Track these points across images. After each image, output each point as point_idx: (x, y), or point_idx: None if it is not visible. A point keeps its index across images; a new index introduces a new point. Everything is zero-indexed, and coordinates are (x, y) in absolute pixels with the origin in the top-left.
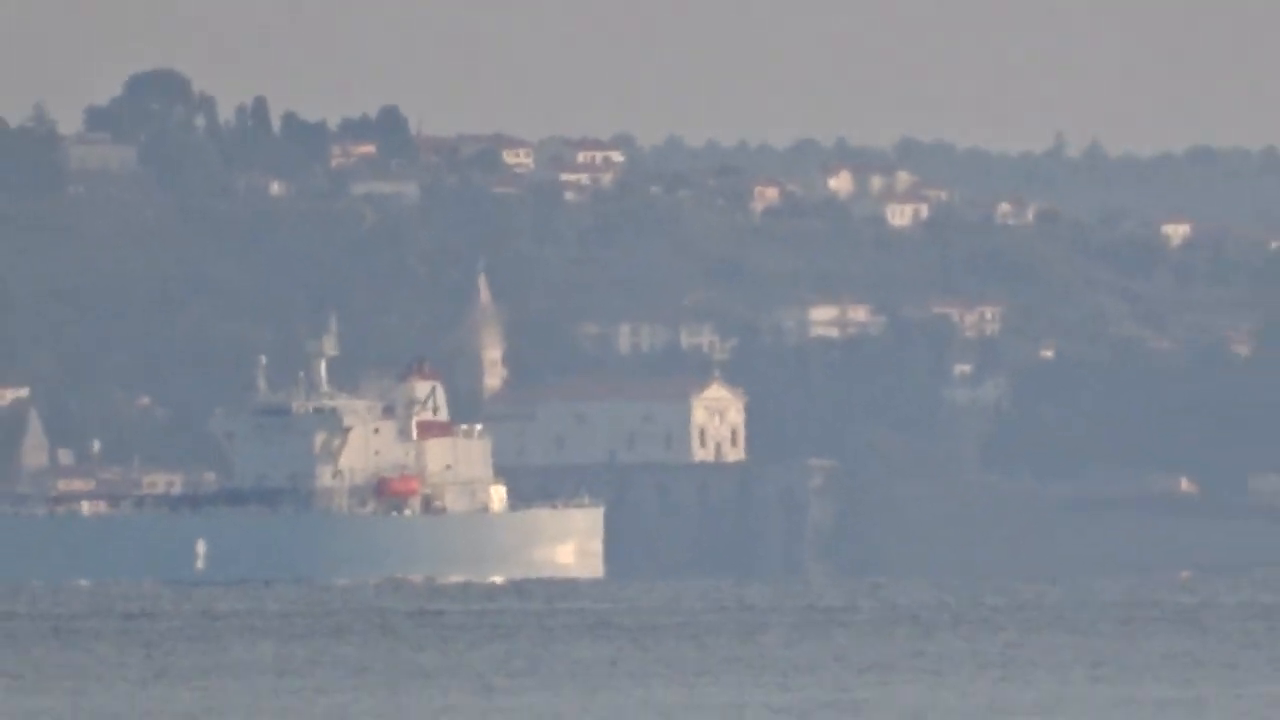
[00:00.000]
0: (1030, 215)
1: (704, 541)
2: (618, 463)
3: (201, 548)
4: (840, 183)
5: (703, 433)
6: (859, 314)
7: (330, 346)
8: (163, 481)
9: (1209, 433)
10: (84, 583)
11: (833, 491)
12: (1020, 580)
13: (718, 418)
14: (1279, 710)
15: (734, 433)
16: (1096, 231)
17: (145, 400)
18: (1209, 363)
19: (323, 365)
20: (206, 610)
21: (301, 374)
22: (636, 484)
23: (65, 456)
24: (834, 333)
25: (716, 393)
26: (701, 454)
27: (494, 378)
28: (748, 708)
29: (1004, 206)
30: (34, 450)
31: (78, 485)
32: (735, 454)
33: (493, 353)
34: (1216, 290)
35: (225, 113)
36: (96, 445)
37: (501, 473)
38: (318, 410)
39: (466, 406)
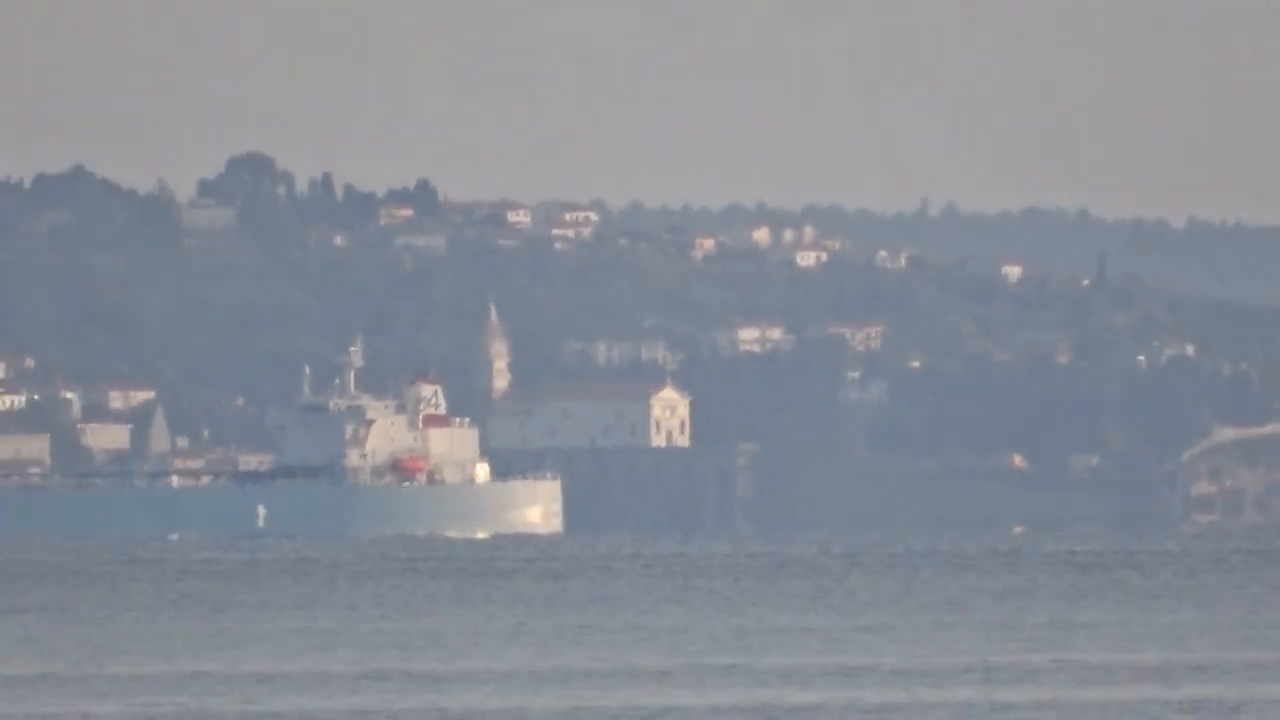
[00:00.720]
0: (903, 260)
1: (658, 506)
2: (595, 446)
3: (261, 511)
4: (760, 235)
5: (658, 424)
6: (774, 334)
7: (357, 359)
8: (255, 461)
9: (1037, 422)
10: (174, 536)
11: (756, 469)
12: (894, 533)
13: (669, 413)
14: (1074, 631)
15: (681, 424)
16: (951, 272)
17: (240, 400)
18: (1037, 369)
19: (352, 374)
20: (254, 559)
21: (337, 380)
22: (609, 463)
23: (181, 442)
24: (756, 349)
25: (668, 394)
26: (657, 440)
27: (501, 381)
28: (670, 631)
29: (882, 253)
30: (158, 438)
31: (190, 464)
32: (682, 440)
33: (500, 362)
34: (1042, 315)
35: (300, 184)
36: (205, 433)
37: (505, 454)
38: (349, 408)
39: (480, 403)
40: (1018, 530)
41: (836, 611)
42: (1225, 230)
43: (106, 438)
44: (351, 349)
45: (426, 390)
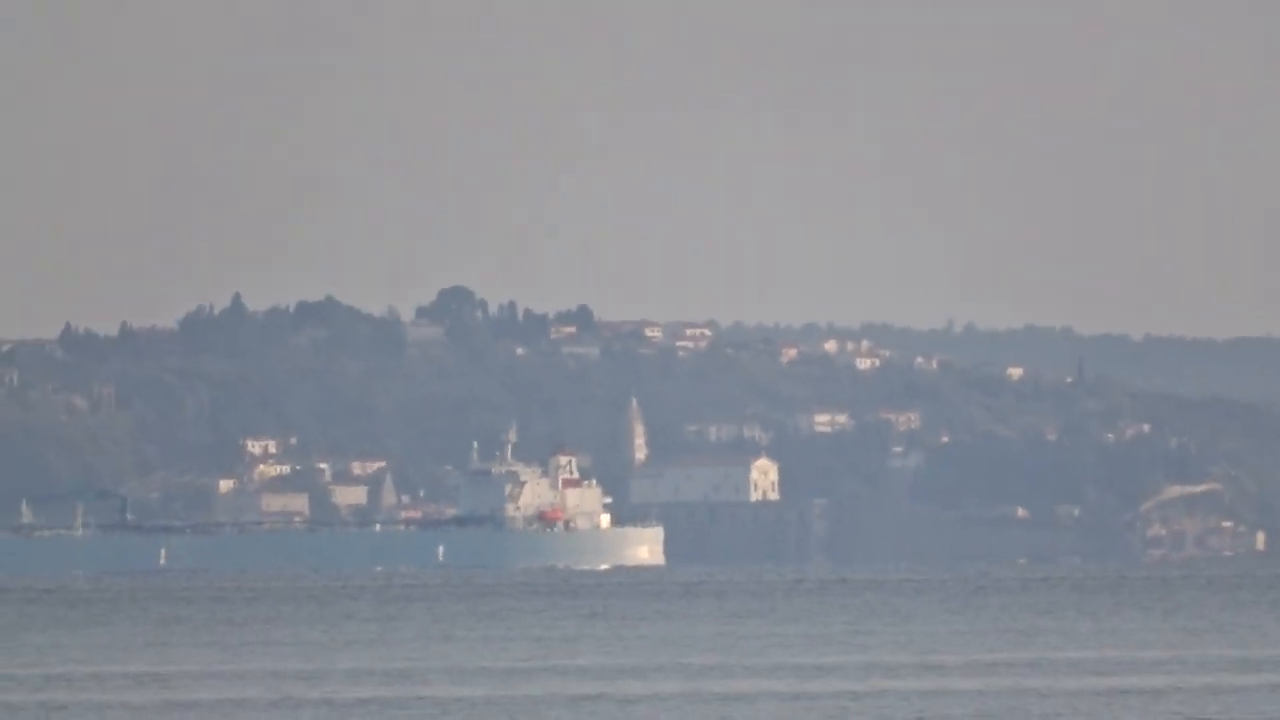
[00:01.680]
0: (934, 364)
1: (754, 547)
2: (708, 501)
3: (440, 550)
4: (830, 345)
5: (755, 485)
6: (841, 419)
7: (513, 436)
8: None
9: (1033, 483)
10: (379, 568)
11: (827, 518)
12: (928, 563)
13: (764, 476)
14: (1045, 632)
15: (772, 485)
16: (970, 373)
17: (448, 467)
18: (1033, 444)
19: (510, 447)
20: (442, 585)
21: (497, 452)
22: (718, 513)
23: (405, 499)
24: (827, 429)
25: (763, 463)
26: (755, 497)
27: (640, 453)
28: (759, 638)
29: (919, 359)
30: (388, 496)
31: (411, 514)
32: (773, 496)
33: (639, 439)
34: (1036, 405)
35: (492, 308)
36: (421, 492)
37: (640, 508)
38: (507, 472)
39: (624, 470)
40: (1020, 562)
41: (882, 619)
42: (1171, 341)
43: (350, 496)
44: (510, 429)
45: (564, 460)
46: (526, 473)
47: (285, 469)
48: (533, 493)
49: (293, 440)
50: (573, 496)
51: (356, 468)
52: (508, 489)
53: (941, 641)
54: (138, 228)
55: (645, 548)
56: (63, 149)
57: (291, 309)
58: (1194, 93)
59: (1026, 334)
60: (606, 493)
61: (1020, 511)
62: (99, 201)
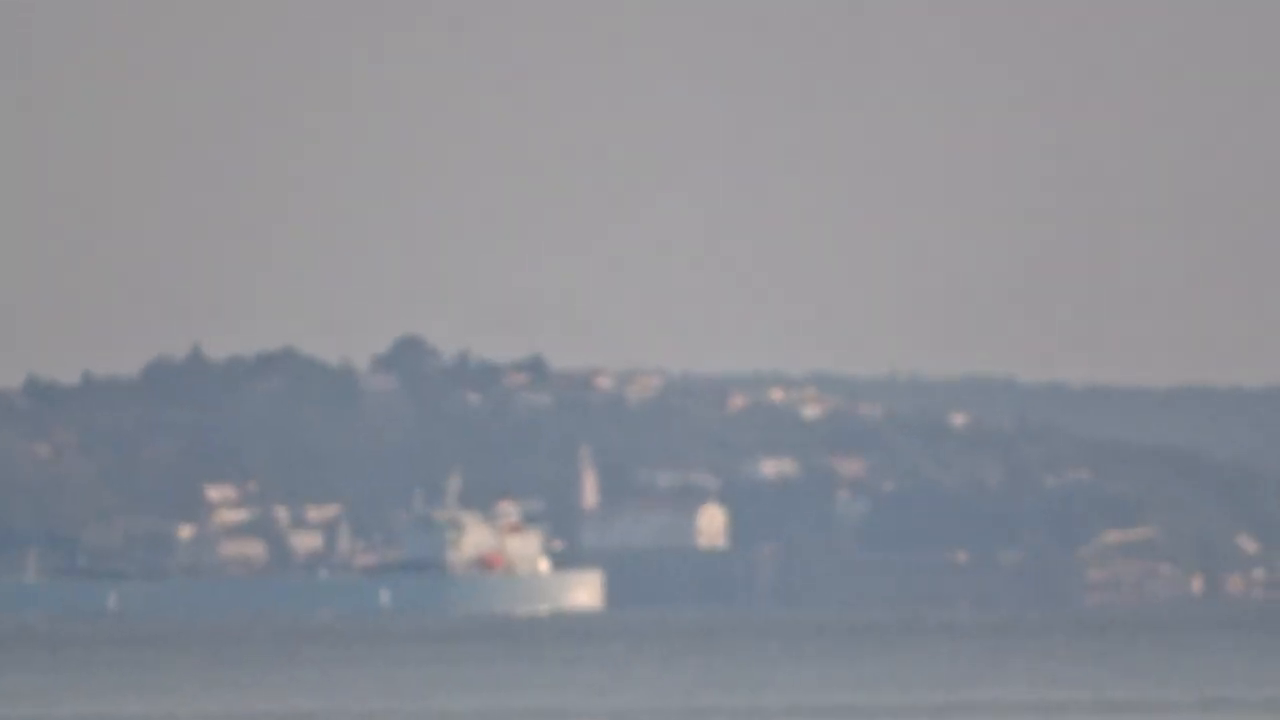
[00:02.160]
0: (879, 411)
1: (701, 591)
2: (657, 546)
3: (385, 595)
4: (776, 393)
5: (702, 531)
6: (788, 465)
7: (455, 485)
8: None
9: (976, 527)
10: (326, 612)
11: (775, 563)
12: (875, 605)
13: (711, 522)
14: (999, 673)
15: (720, 530)
16: (913, 419)
17: (402, 512)
18: (976, 490)
19: (453, 494)
20: (386, 630)
21: (440, 499)
22: (663, 558)
23: (359, 545)
24: (774, 475)
25: (711, 509)
26: (702, 542)
27: (590, 499)
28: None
29: (864, 406)
30: (343, 540)
31: (365, 560)
32: (721, 542)
33: (590, 485)
34: (980, 451)
35: (446, 357)
36: (376, 537)
37: (596, 553)
38: (449, 519)
39: (574, 515)
40: (963, 604)
41: (831, 660)
42: (1111, 389)
43: (307, 542)
44: (452, 477)
45: (506, 506)
46: (468, 519)
47: (243, 515)
48: (474, 538)
49: (251, 486)
50: (513, 542)
51: (313, 513)
52: (449, 535)
53: (886, 679)
54: (99, 278)
55: (584, 591)
56: (23, 200)
57: (251, 358)
58: (1126, 142)
59: (969, 382)
60: (557, 538)
61: (962, 556)
62: (59, 251)
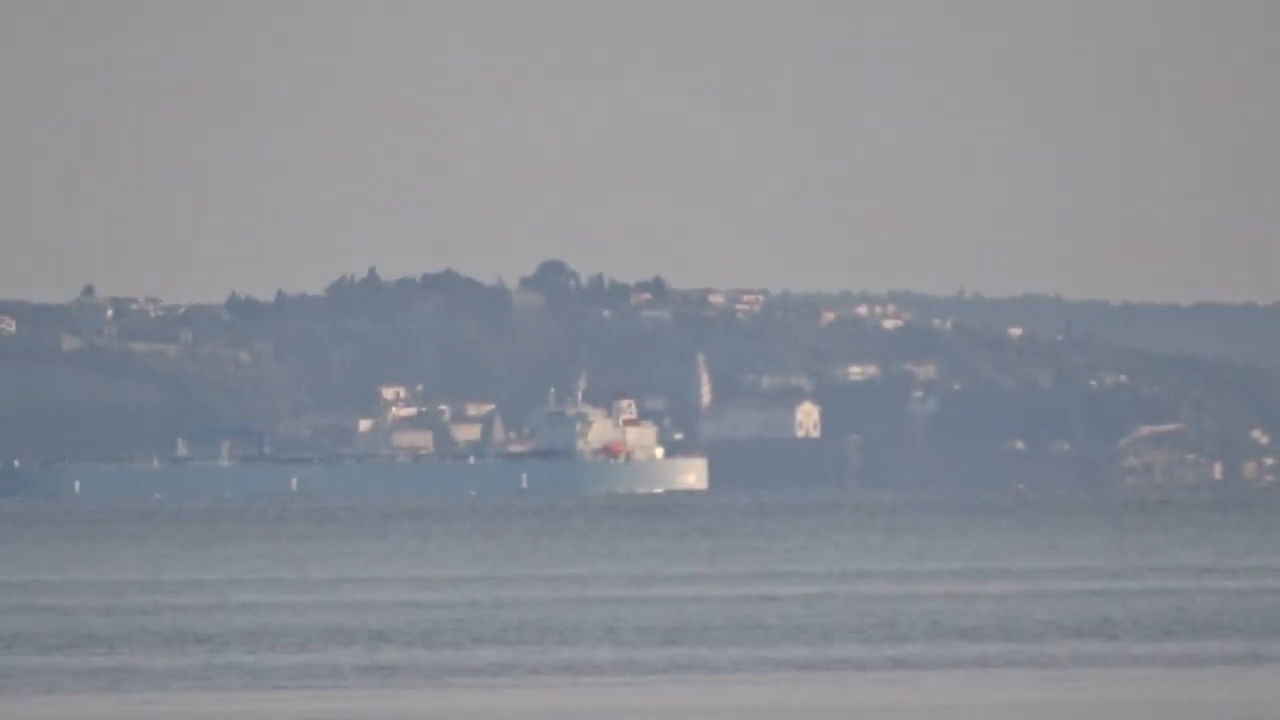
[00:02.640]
0: (949, 325)
1: (799, 474)
2: (761, 437)
3: (524, 479)
4: (862, 309)
5: (800, 425)
6: (871, 370)
7: (582, 386)
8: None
9: (1031, 422)
10: (473, 493)
11: (861, 453)
12: (944, 489)
13: (807, 417)
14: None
15: (814, 424)
16: (978, 332)
17: (543, 408)
18: (1030, 391)
19: (580, 393)
20: (524, 507)
21: (569, 397)
22: (767, 447)
23: (513, 435)
24: (860, 379)
25: (807, 406)
26: (799, 434)
27: (705, 398)
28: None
29: (936, 320)
30: (498, 431)
31: (515, 448)
32: (815, 434)
33: (705, 387)
34: (1033, 359)
35: (583, 279)
36: (526, 430)
37: (709, 443)
38: (578, 414)
39: (692, 412)
40: (1020, 487)
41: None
42: (1144, 306)
43: (466, 433)
44: (581, 379)
45: (625, 403)
46: (594, 414)
47: (412, 411)
48: (599, 430)
49: (419, 387)
50: (632, 433)
51: (471, 409)
52: (578, 427)
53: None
54: (291, 210)
55: (692, 475)
56: (227, 144)
57: (418, 279)
58: (1162, 81)
59: (1024, 300)
60: (677, 431)
61: (1019, 444)
62: (257, 188)
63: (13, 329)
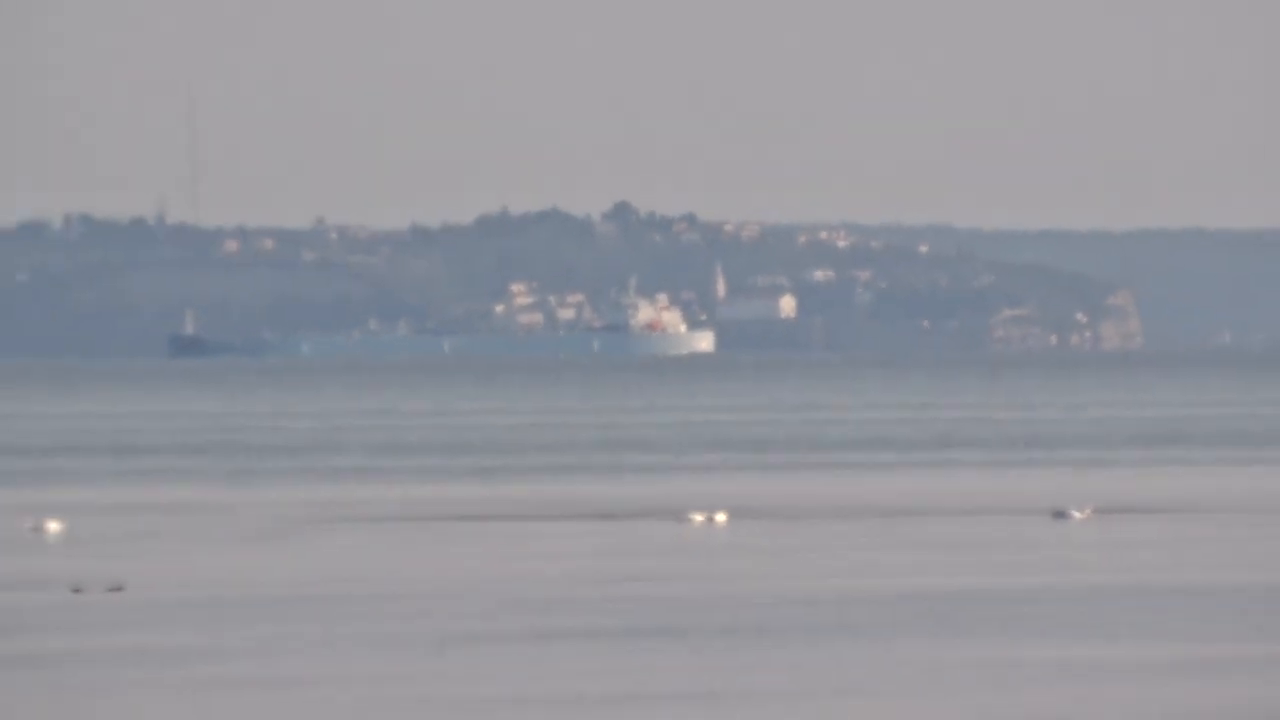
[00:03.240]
0: (881, 244)
1: (779, 345)
2: (757, 318)
3: (596, 344)
4: (822, 235)
5: (781, 311)
6: (829, 274)
7: (633, 284)
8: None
9: (933, 309)
10: (561, 356)
11: (824, 328)
12: (881, 353)
13: (786, 306)
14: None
15: (792, 310)
16: (897, 248)
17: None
18: (936, 290)
19: (632, 290)
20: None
21: (625, 293)
22: (761, 326)
23: (593, 318)
24: (820, 279)
25: (786, 298)
26: (781, 317)
27: (721, 292)
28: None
29: (873, 241)
30: (586, 314)
31: (592, 324)
32: (792, 317)
33: (721, 285)
34: (937, 267)
35: (641, 213)
36: (601, 313)
37: (724, 322)
38: (630, 303)
39: (712, 302)
40: (925, 352)
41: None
42: (1008, 231)
43: (566, 315)
44: (633, 280)
45: (661, 296)
46: (642, 303)
47: (530, 300)
48: (645, 314)
49: (535, 283)
50: (666, 315)
51: (569, 299)
52: (630, 311)
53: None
54: (438, 153)
55: (704, 343)
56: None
57: (534, 214)
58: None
59: (930, 228)
60: (703, 313)
61: (925, 324)
62: (439, 119)
63: (271, 246)
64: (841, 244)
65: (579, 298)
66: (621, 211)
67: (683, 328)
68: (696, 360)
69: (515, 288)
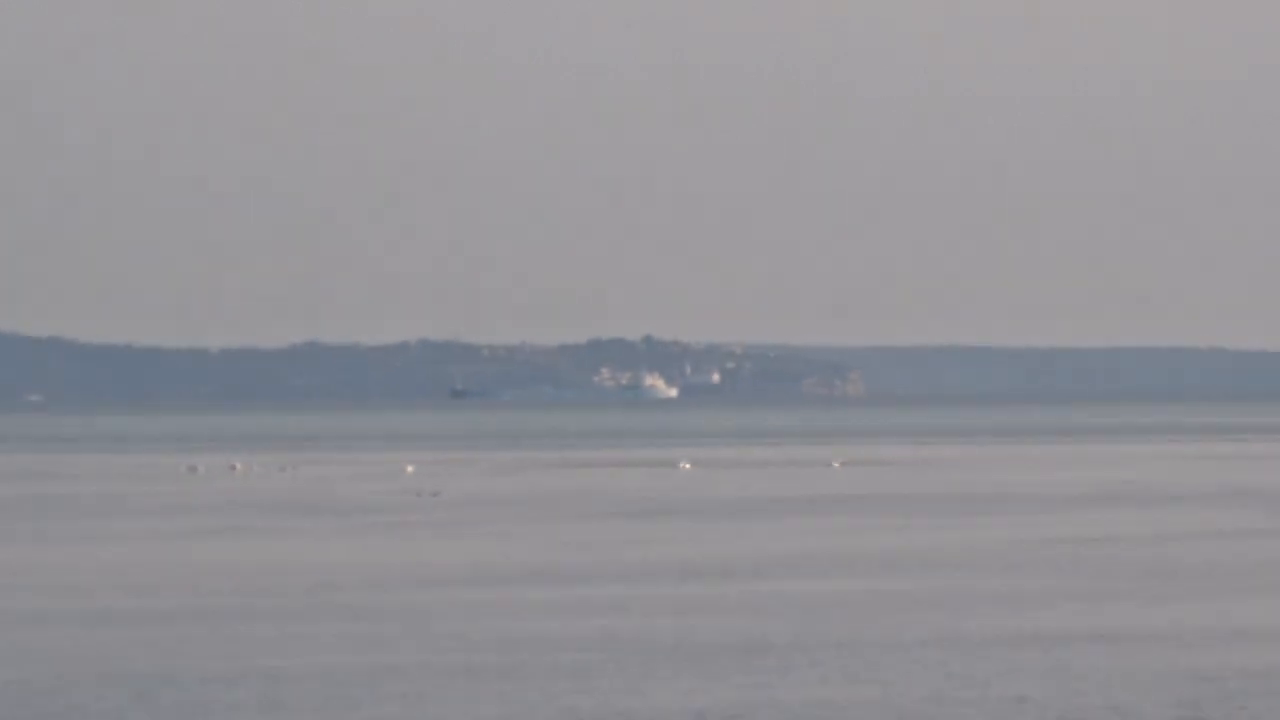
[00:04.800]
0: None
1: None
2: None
3: (629, 394)
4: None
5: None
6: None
7: (646, 370)
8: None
9: None
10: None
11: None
12: None
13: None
14: None
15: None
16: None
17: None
18: None
19: (645, 370)
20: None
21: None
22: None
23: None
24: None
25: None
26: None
27: (671, 392)
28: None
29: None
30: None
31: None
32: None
33: (688, 369)
34: None
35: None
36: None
37: (686, 388)
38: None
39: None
40: None
41: None
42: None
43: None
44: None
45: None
46: (648, 377)
47: (611, 375)
48: (649, 381)
49: (609, 369)
50: (659, 383)
51: (621, 375)
52: (645, 379)
53: None
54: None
55: (674, 393)
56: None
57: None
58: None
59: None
60: (676, 382)
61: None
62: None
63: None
64: (738, 352)
65: (627, 374)
66: (649, 339)
67: (664, 386)
68: (671, 401)
69: (605, 370)
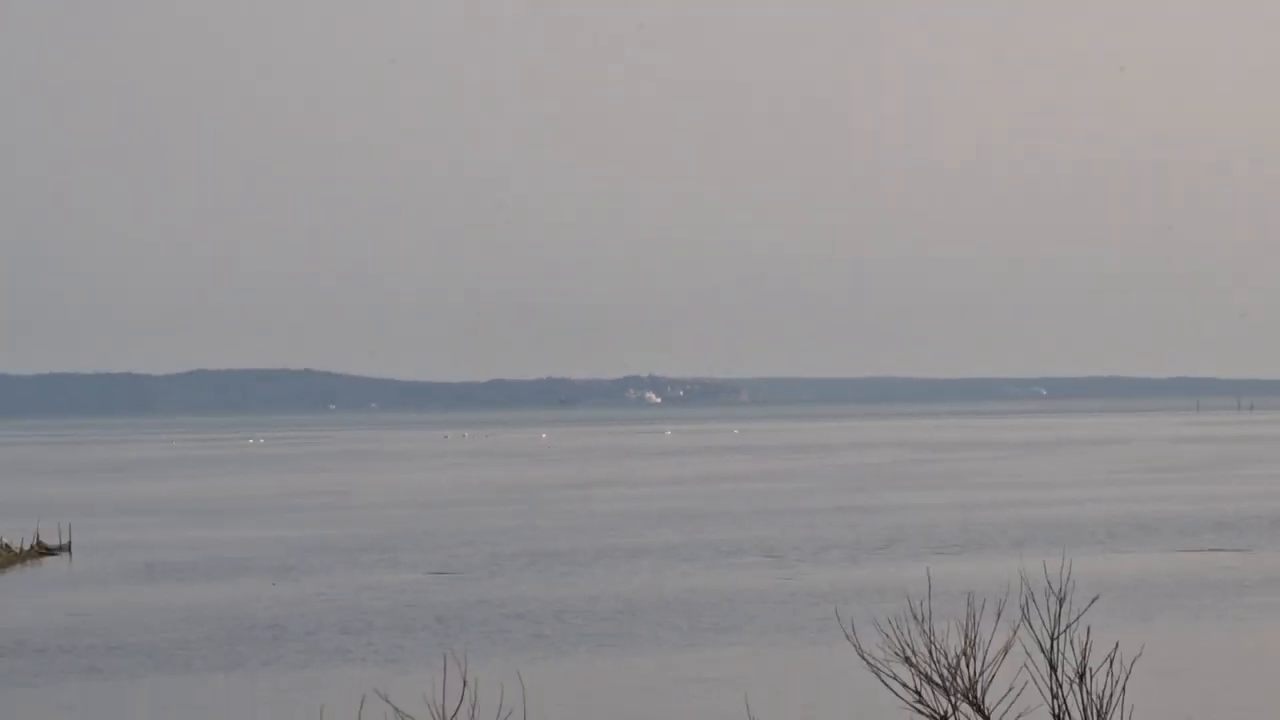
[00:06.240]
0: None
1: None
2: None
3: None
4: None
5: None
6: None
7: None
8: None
9: None
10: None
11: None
12: None
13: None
14: None
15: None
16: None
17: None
18: None
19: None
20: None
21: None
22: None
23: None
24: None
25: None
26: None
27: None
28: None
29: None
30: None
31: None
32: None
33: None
34: None
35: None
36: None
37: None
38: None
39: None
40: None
41: None
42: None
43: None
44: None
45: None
46: (648, 394)
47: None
48: (648, 397)
49: (637, 388)
50: (655, 398)
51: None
52: (648, 397)
53: None
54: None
55: (658, 401)
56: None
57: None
58: None
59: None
60: (659, 395)
61: None
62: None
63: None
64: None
65: (640, 391)
66: (653, 375)
67: (655, 398)
68: (656, 405)
69: (630, 390)
